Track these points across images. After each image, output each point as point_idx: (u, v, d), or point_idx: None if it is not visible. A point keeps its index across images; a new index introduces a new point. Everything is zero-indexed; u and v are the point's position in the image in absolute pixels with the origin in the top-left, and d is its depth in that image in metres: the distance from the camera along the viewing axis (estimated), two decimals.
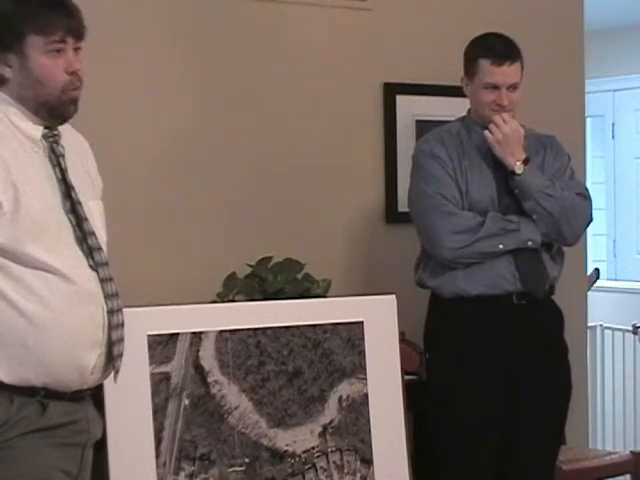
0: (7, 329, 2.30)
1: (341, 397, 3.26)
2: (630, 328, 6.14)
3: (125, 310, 2.47)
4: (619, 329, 6.31)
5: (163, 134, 3.55)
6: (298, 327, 3.23)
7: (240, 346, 3.15)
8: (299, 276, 3.44)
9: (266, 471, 3.13)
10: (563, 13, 4.39)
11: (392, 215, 3.96)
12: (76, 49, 2.40)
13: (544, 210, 3.33)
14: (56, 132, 2.44)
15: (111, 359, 2.43)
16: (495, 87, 3.33)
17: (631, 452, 4.16)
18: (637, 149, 7.65)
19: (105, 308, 2.40)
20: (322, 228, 3.82)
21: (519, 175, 3.33)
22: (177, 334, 3.07)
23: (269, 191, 3.74)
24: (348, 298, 3.39)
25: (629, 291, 7.43)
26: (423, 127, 3.91)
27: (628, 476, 4.19)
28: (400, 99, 3.98)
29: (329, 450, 3.22)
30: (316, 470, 3.19)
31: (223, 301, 3.33)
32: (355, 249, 3.92)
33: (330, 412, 3.24)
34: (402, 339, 3.42)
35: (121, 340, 2.44)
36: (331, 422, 3.24)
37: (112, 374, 2.47)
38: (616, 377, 6.27)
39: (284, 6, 3.77)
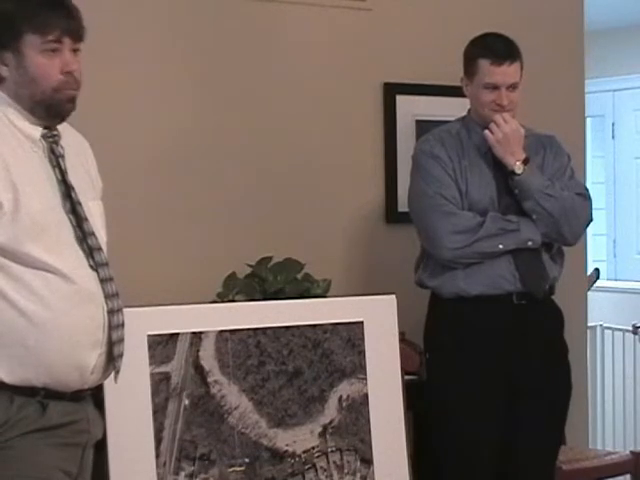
0: (7, 329, 2.30)
1: (341, 397, 3.26)
2: (630, 328, 6.14)
3: (125, 310, 2.47)
4: (619, 329, 6.31)
5: (163, 134, 3.56)
6: (298, 327, 3.23)
7: (240, 346, 3.15)
8: (299, 276, 3.44)
9: (266, 471, 3.13)
10: (563, 13, 4.39)
11: (392, 215, 3.96)
12: (75, 50, 2.40)
13: (544, 210, 3.33)
14: (55, 132, 2.44)
15: (111, 359, 2.43)
16: (495, 87, 3.33)
17: (631, 452, 4.15)
18: (637, 149, 7.66)
19: (105, 308, 2.40)
20: (322, 228, 3.82)
21: (519, 175, 3.33)
22: (177, 334, 3.08)
23: (269, 191, 3.74)
24: (348, 298, 3.39)
25: (629, 291, 7.42)
26: (423, 127, 3.91)
27: (628, 476, 4.18)
28: (400, 99, 3.98)
29: (329, 450, 3.22)
30: (316, 470, 3.19)
31: (223, 301, 3.33)
32: (355, 249, 3.92)
33: (330, 412, 3.24)
34: (402, 339, 3.42)
35: (121, 340, 2.44)
36: (331, 422, 3.24)
37: (112, 374, 2.47)
38: (616, 377, 6.27)
39: (284, 6, 3.78)
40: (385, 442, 3.28)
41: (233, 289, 3.36)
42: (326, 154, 3.84)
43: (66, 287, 2.33)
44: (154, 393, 3.01)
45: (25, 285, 2.30)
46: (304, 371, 3.22)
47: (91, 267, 2.40)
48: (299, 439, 3.18)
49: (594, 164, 7.46)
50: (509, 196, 3.38)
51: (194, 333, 3.09)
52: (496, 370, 3.33)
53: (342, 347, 3.28)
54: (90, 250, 2.41)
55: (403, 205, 3.71)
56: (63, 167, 2.43)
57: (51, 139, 2.43)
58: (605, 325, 6.35)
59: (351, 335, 3.30)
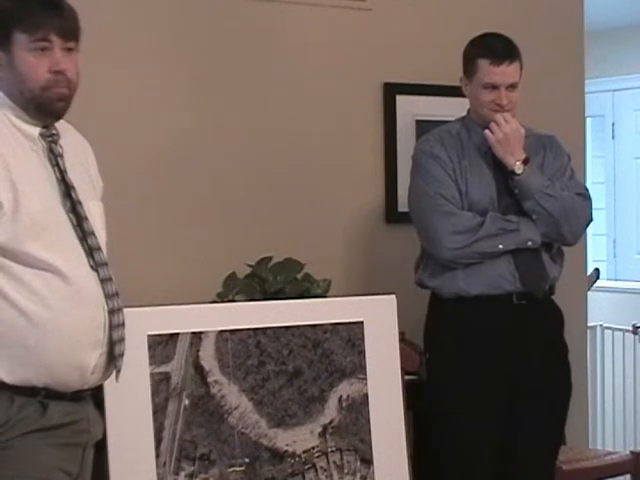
0: (7, 329, 2.30)
1: (341, 397, 3.26)
2: (630, 328, 6.14)
3: (125, 310, 2.47)
4: (619, 329, 6.31)
5: (163, 134, 3.56)
6: (298, 327, 3.23)
7: (240, 346, 3.15)
8: (299, 276, 3.44)
9: (266, 471, 3.13)
10: (563, 13, 4.39)
11: (392, 215, 3.96)
12: (68, 49, 2.40)
13: (544, 210, 3.33)
14: (54, 132, 2.44)
15: (112, 359, 2.43)
16: (494, 87, 3.33)
17: (631, 452, 4.15)
18: (637, 149, 7.65)
19: (106, 308, 2.40)
20: (322, 228, 3.82)
21: (519, 175, 3.33)
22: (177, 334, 3.08)
23: (269, 191, 3.74)
24: (348, 298, 3.39)
25: (629, 291, 7.42)
26: (423, 127, 3.91)
27: (628, 476, 4.18)
28: (400, 99, 3.98)
29: (329, 450, 3.22)
30: (316, 470, 3.19)
31: (223, 301, 3.33)
32: (355, 249, 3.93)
33: (330, 412, 3.24)
34: (402, 339, 3.42)
35: (122, 340, 2.44)
36: (331, 422, 3.24)
37: (113, 374, 2.47)
38: (616, 377, 6.27)
39: (284, 6, 3.78)
40: (385, 442, 3.28)
41: (233, 289, 3.36)
42: (326, 154, 3.84)
43: (66, 287, 2.33)
44: (154, 393, 3.01)
45: (25, 285, 2.31)
46: (304, 371, 3.22)
47: (91, 267, 2.40)
48: (299, 439, 3.18)
49: (594, 164, 7.46)
50: (509, 196, 3.38)
51: (194, 333, 3.09)
52: (496, 370, 3.33)
53: (342, 347, 3.28)
54: (90, 250, 2.41)
55: (403, 205, 3.71)
56: (62, 166, 2.43)
57: (50, 138, 2.43)
58: (605, 325, 6.35)
59: (351, 335, 3.30)
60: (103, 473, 2.87)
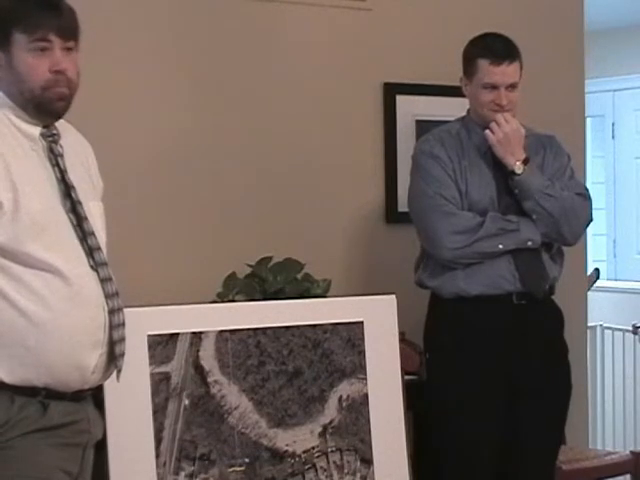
0: (7, 329, 2.30)
1: (341, 397, 3.26)
2: (630, 328, 6.14)
3: (125, 310, 2.46)
4: (619, 329, 6.31)
5: (163, 134, 3.56)
6: (298, 327, 3.23)
7: (240, 346, 3.15)
8: (299, 276, 3.44)
9: (266, 471, 3.13)
10: (563, 13, 4.39)
11: (392, 215, 3.96)
12: (68, 49, 2.40)
13: (544, 210, 3.33)
14: (55, 131, 2.44)
15: (112, 359, 2.43)
16: (494, 87, 3.33)
17: (631, 452, 4.15)
18: (637, 149, 7.65)
19: (106, 308, 2.40)
20: (322, 228, 3.82)
21: (519, 175, 3.33)
22: (177, 334, 3.08)
23: (269, 191, 3.74)
24: (348, 298, 3.39)
25: (629, 291, 7.42)
26: (423, 127, 3.91)
27: (628, 476, 4.18)
28: (400, 99, 3.98)
29: (329, 450, 3.22)
30: (316, 470, 3.19)
31: (223, 301, 3.33)
32: (355, 249, 3.93)
33: (330, 412, 3.24)
34: (402, 339, 3.42)
35: (122, 339, 2.44)
36: (331, 422, 3.24)
37: (114, 373, 2.47)
38: (616, 377, 6.27)
39: (284, 6, 3.78)
40: (385, 442, 3.28)
41: (233, 289, 3.36)
42: (326, 154, 3.84)
43: (66, 287, 2.33)
44: (154, 393, 3.01)
45: (25, 285, 2.30)
46: (304, 371, 3.22)
47: (91, 267, 2.40)
48: (299, 439, 3.18)
49: (594, 164, 7.46)
50: (509, 196, 3.38)
51: (194, 333, 3.09)
52: (496, 370, 3.33)
53: (342, 347, 3.28)
54: (90, 250, 2.41)
55: (403, 205, 3.71)
56: (62, 166, 2.43)
57: (50, 138, 2.43)
58: (605, 325, 6.35)
59: (351, 335, 3.30)
60: (103, 473, 2.87)
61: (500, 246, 3.33)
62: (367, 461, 3.26)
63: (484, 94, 3.35)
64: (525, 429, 3.37)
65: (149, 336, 3.03)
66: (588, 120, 6.01)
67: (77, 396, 2.41)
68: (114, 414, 2.88)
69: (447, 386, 3.39)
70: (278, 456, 3.15)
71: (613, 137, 7.81)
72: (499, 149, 3.34)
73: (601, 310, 6.40)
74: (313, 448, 3.20)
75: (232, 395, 3.11)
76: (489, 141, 3.35)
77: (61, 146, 2.44)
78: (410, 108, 3.99)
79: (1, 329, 2.29)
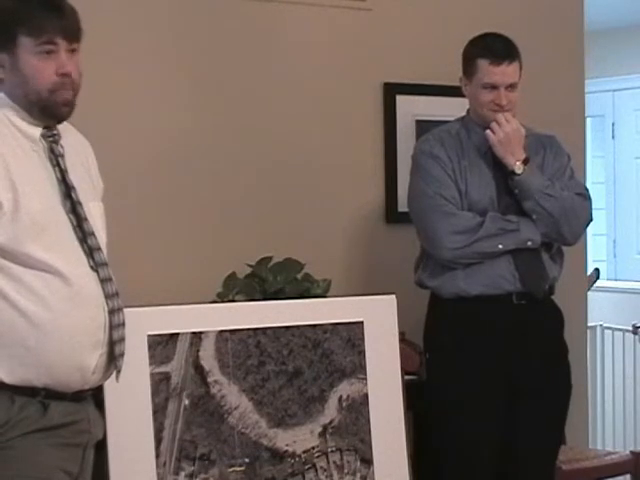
0: (7, 329, 2.30)
1: (341, 397, 3.26)
2: (630, 328, 6.14)
3: (125, 310, 2.46)
4: (619, 329, 6.31)
5: (163, 134, 3.56)
6: (298, 327, 3.23)
7: (240, 346, 3.15)
8: (299, 276, 3.44)
9: (266, 471, 3.13)
10: (563, 13, 4.39)
11: (392, 215, 3.96)
12: (72, 50, 2.39)
13: (544, 210, 3.34)
14: (55, 132, 2.44)
15: (113, 359, 2.43)
16: (493, 87, 3.33)
17: (631, 452, 4.15)
18: (637, 149, 7.66)
19: (106, 308, 2.40)
20: (322, 228, 3.82)
21: (519, 175, 3.33)
22: (177, 334, 3.08)
23: (269, 191, 3.74)
24: (348, 298, 3.39)
25: (629, 291, 7.43)
26: (423, 127, 3.91)
27: (628, 476, 4.18)
28: (400, 99, 3.98)
29: (329, 450, 3.22)
30: (316, 470, 3.19)
31: (223, 301, 3.33)
32: (355, 249, 3.93)
33: (330, 412, 3.24)
34: (402, 339, 3.42)
35: (122, 340, 2.44)
36: (331, 422, 3.24)
37: (114, 374, 2.47)
38: (616, 377, 6.27)
39: (284, 6, 3.78)
40: (385, 442, 3.28)
41: (233, 289, 3.36)
42: (326, 154, 3.85)
43: (66, 288, 2.33)
44: (154, 393, 3.01)
45: (25, 286, 2.30)
46: (304, 371, 3.22)
47: (91, 267, 2.40)
48: (299, 439, 3.18)
49: (594, 164, 7.46)
50: (509, 196, 3.38)
51: (194, 333, 3.09)
52: (496, 370, 3.33)
53: (342, 347, 3.28)
54: (90, 250, 2.41)
55: (403, 205, 3.71)
56: (63, 166, 2.43)
57: (51, 138, 2.43)
58: (605, 325, 6.35)
59: (351, 335, 3.30)
60: (103, 473, 2.87)
61: (500, 246, 3.33)
62: (367, 461, 3.26)
63: (484, 94, 3.35)
64: (525, 429, 3.37)
65: (149, 336, 3.03)
66: (588, 120, 6.01)
67: (77, 396, 2.41)
68: (114, 414, 2.88)
69: (447, 386, 3.39)
70: (278, 456, 3.15)
71: (613, 137, 7.81)
72: (499, 149, 3.34)
73: (601, 310, 6.40)
74: (313, 448, 3.20)
75: (232, 395, 3.11)
76: (490, 141, 3.35)
77: (62, 146, 2.44)
78: (410, 108, 3.99)
79: (1, 329, 2.30)
